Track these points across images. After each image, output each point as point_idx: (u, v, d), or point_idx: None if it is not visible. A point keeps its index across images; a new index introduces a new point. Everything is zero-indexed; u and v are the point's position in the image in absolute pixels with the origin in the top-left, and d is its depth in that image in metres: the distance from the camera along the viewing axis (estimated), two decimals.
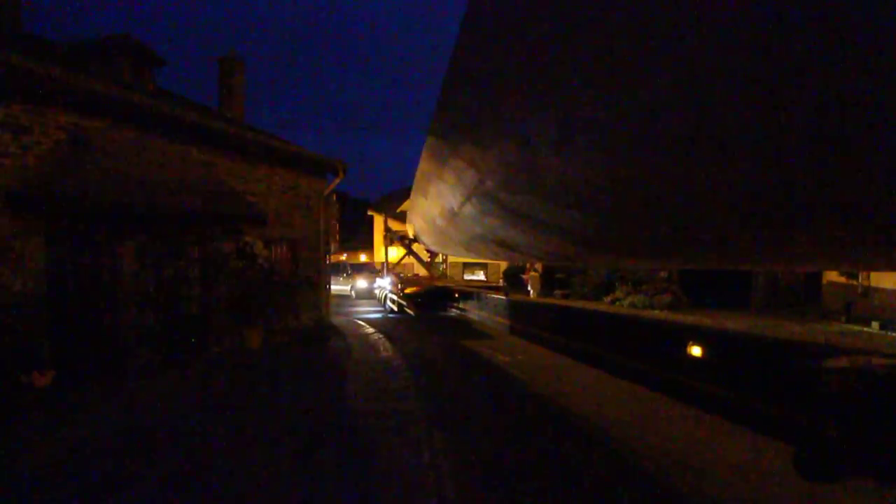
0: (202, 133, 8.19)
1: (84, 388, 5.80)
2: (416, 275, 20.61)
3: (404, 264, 20.59)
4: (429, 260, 19.39)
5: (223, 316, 8.48)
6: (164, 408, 5.35)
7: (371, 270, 24.34)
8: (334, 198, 13.30)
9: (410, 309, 14.86)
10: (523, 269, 19.47)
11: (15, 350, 5.54)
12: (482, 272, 26.00)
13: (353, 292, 22.89)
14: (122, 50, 8.73)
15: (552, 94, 1.72)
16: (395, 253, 20.21)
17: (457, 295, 15.73)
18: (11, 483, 3.56)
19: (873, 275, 14.49)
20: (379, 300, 18.65)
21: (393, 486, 3.55)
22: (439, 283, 17.33)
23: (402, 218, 19.63)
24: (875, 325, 12.50)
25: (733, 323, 11.66)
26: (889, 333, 11.67)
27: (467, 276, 24.98)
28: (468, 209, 3.80)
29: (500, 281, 21.19)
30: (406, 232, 16.73)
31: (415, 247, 18.16)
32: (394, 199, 32.42)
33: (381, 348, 9.14)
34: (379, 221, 33.18)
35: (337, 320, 12.87)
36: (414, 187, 7.42)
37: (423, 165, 5.02)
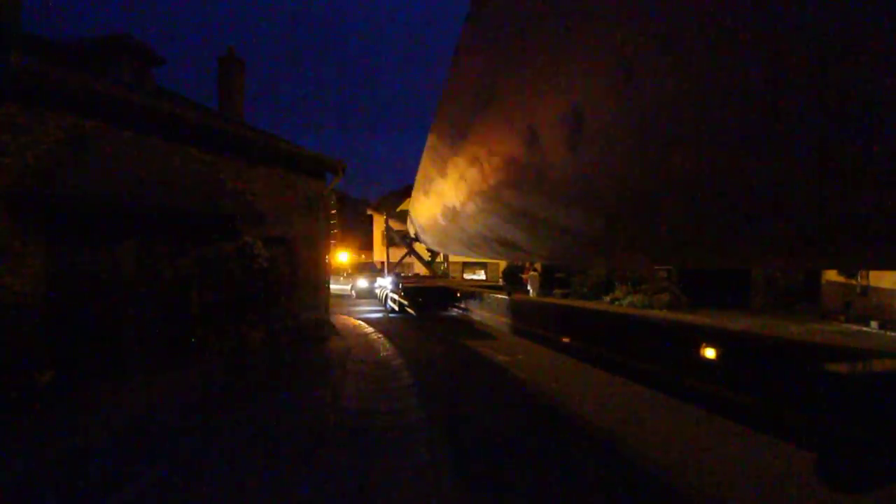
0: (202, 133, 8.17)
1: (83, 388, 5.79)
2: (418, 274, 20.58)
3: (405, 263, 20.57)
4: (430, 259, 19.38)
5: (222, 315, 8.47)
6: (163, 408, 5.34)
7: (372, 269, 24.32)
8: (334, 197, 13.29)
9: (411, 309, 14.84)
10: (522, 269, 19.48)
11: (14, 349, 5.53)
12: (482, 271, 26.00)
13: (353, 292, 22.87)
14: (122, 49, 8.70)
15: (563, 85, 1.71)
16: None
17: (459, 295, 15.70)
18: (9, 482, 3.55)
19: (872, 274, 14.53)
20: (379, 300, 18.63)
21: (393, 487, 3.55)
22: (441, 283, 17.31)
23: (401, 217, 19.60)
24: (874, 324, 12.52)
25: (733, 323, 11.67)
26: (888, 332, 11.69)
27: (467, 276, 24.97)
28: (470, 208, 3.79)
29: (500, 280, 21.20)
30: (407, 231, 16.71)
31: (416, 246, 18.15)
32: (393, 199, 32.39)
33: (381, 348, 9.14)
34: (378, 221, 33.17)
35: (337, 320, 12.86)
36: (415, 186, 7.41)
37: (425, 164, 5.00)
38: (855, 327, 12.66)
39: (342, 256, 31.96)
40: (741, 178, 1.95)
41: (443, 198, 4.68)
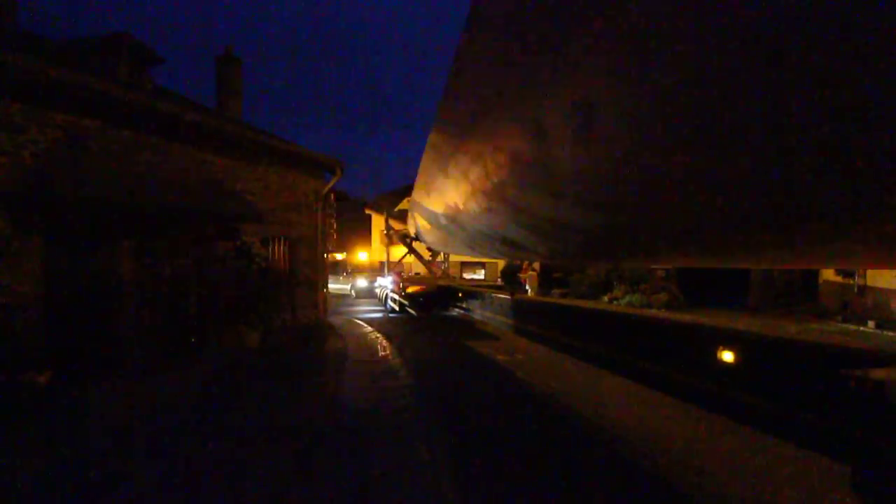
0: (200, 132, 8.14)
1: (82, 388, 5.75)
2: (418, 274, 20.57)
3: (405, 263, 20.54)
4: (430, 259, 19.34)
5: (221, 315, 8.44)
6: (161, 407, 5.31)
7: (372, 270, 24.27)
8: (332, 196, 13.26)
9: (412, 308, 14.81)
10: (520, 268, 19.46)
11: (11, 350, 5.49)
12: (482, 271, 26.00)
13: (352, 291, 22.83)
14: (120, 48, 8.66)
15: (573, 73, 1.69)
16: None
17: (460, 294, 15.69)
18: (7, 483, 3.52)
19: (869, 273, 14.58)
20: (379, 299, 18.61)
21: (391, 488, 3.54)
22: (441, 283, 17.25)
23: (400, 217, 19.58)
24: (871, 324, 12.56)
25: (732, 322, 11.68)
26: (886, 332, 11.73)
27: (466, 275, 24.97)
28: (472, 206, 3.78)
29: (498, 280, 21.20)
30: (407, 230, 16.68)
31: (416, 245, 18.12)
32: (392, 198, 32.33)
33: (380, 349, 9.12)
34: (377, 220, 33.11)
35: (336, 320, 12.84)
36: (416, 185, 7.38)
37: (426, 162, 4.99)
38: (852, 327, 12.70)
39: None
40: (743, 177, 1.95)
41: (444, 196, 4.67)
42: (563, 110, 1.81)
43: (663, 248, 2.66)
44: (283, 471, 3.74)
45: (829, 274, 16.32)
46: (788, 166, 1.78)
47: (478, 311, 13.86)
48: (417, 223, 9.82)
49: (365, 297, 21.37)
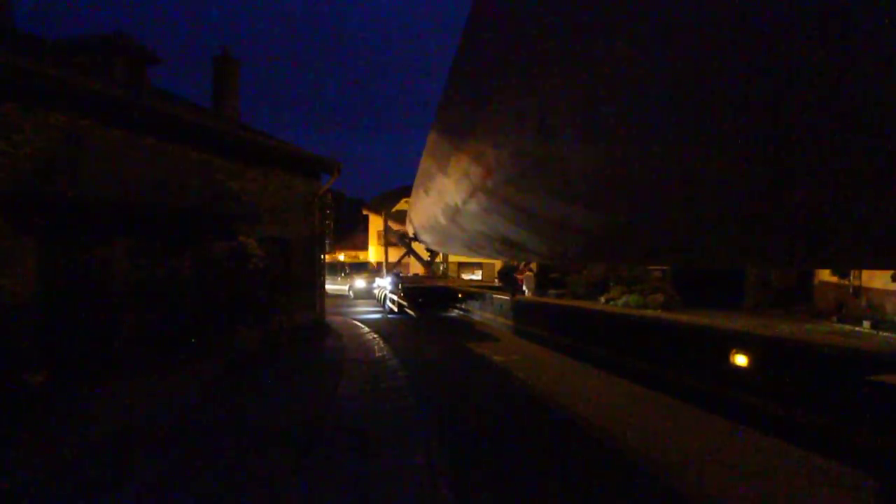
0: (197, 132, 8.11)
1: (77, 389, 5.71)
2: (417, 274, 20.53)
3: (403, 263, 20.49)
4: (428, 259, 19.30)
5: (217, 315, 8.39)
6: (156, 409, 5.28)
7: (371, 270, 24.18)
8: (329, 197, 13.23)
9: (411, 309, 14.77)
10: (517, 269, 19.44)
11: (6, 350, 5.45)
12: (479, 272, 25.99)
13: (351, 292, 22.74)
14: (117, 48, 8.61)
15: (577, 75, 1.68)
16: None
17: (460, 295, 15.65)
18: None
19: (864, 274, 14.66)
20: (378, 300, 18.55)
21: (390, 487, 3.52)
22: (440, 283, 17.19)
23: (399, 217, 19.54)
24: (866, 324, 12.61)
25: (728, 322, 11.71)
26: (881, 333, 11.79)
27: (464, 276, 24.97)
28: (472, 206, 3.77)
29: (495, 280, 21.19)
30: (405, 230, 16.64)
31: (414, 246, 18.08)
32: (390, 199, 32.28)
33: (377, 349, 9.10)
34: (373, 221, 33.04)
35: (334, 321, 12.79)
36: (415, 184, 7.37)
37: (426, 162, 4.98)
38: (848, 327, 12.75)
39: (340, 256, 31.70)
40: (744, 177, 1.95)
41: (444, 196, 4.65)
42: (568, 107, 1.80)
43: (664, 249, 2.66)
44: (279, 472, 3.72)
45: (824, 275, 16.40)
46: (787, 167, 1.78)
47: (477, 313, 13.85)
48: (416, 223, 9.80)
49: (363, 298, 21.30)
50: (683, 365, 5.61)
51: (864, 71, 1.23)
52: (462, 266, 25.84)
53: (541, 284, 19.73)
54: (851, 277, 14.94)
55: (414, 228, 12.31)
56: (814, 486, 3.49)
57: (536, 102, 1.95)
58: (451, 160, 3.64)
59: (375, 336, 10.48)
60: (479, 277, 24.79)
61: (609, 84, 1.66)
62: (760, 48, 1.35)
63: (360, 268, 25.24)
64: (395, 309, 15.59)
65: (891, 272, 13.09)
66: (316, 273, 11.52)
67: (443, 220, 5.52)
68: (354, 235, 36.52)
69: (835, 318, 13.72)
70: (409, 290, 15.61)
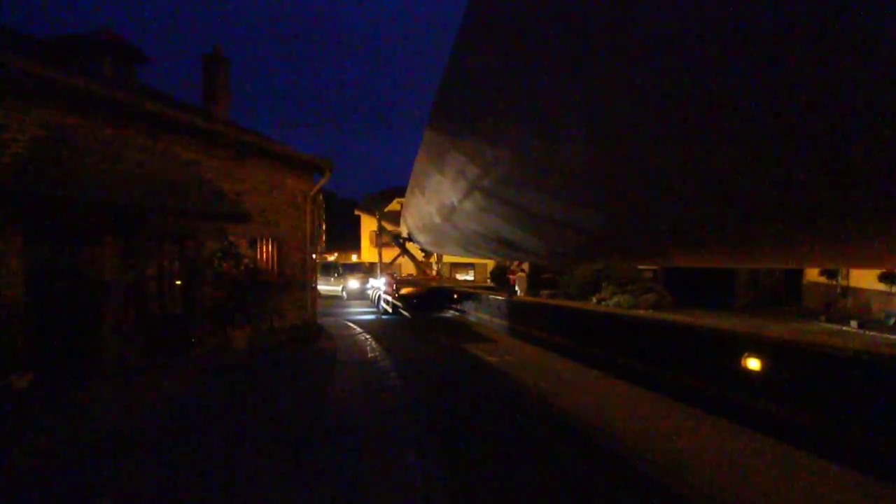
0: (186, 131, 8.01)
1: (64, 391, 5.60)
2: (412, 275, 20.49)
3: (397, 264, 20.42)
4: (423, 259, 19.25)
5: (207, 316, 8.30)
6: (145, 411, 5.18)
7: (364, 271, 24.07)
8: (321, 197, 13.14)
9: (406, 310, 14.72)
10: (509, 269, 19.47)
11: None
12: (472, 272, 26.01)
13: (344, 293, 22.62)
14: (105, 46, 8.49)
15: (580, 73, 1.66)
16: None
17: (455, 296, 15.64)
18: None
19: (852, 275, 14.87)
20: (371, 301, 18.47)
21: (381, 487, 3.49)
22: (435, 284, 17.15)
23: (391, 217, 19.49)
24: (853, 323, 12.80)
25: (720, 322, 11.80)
26: (868, 332, 11.96)
27: (458, 276, 24.98)
28: (468, 205, 3.74)
29: (488, 280, 21.21)
30: (399, 231, 16.58)
31: (408, 246, 18.03)
32: (382, 199, 32.22)
33: (369, 350, 9.04)
34: (365, 221, 32.96)
35: (326, 322, 12.70)
36: (410, 184, 7.32)
37: (421, 161, 4.94)
38: (836, 327, 12.93)
39: (332, 257, 31.56)
40: (745, 177, 1.94)
41: (439, 195, 4.62)
42: (571, 105, 1.77)
43: (664, 248, 2.65)
44: (269, 473, 3.67)
45: (812, 275, 16.61)
46: (787, 167, 1.77)
47: (473, 313, 13.84)
48: (411, 223, 9.76)
49: (357, 299, 21.20)
50: (678, 364, 5.63)
51: (865, 72, 1.21)
52: (455, 266, 25.85)
53: (533, 285, 19.79)
54: (839, 278, 15.14)
55: (408, 228, 12.27)
56: (814, 486, 3.51)
57: (536, 102, 1.93)
58: (447, 158, 3.61)
59: (368, 337, 10.41)
60: (472, 278, 24.80)
61: (609, 85, 1.64)
62: (759, 51, 1.33)
63: (354, 268, 25.08)
64: (389, 310, 15.53)
65: (877, 273, 13.30)
66: (308, 273, 11.43)
67: (438, 220, 5.49)
68: (346, 236, 36.40)
69: (823, 318, 13.91)
70: (403, 290, 15.56)
